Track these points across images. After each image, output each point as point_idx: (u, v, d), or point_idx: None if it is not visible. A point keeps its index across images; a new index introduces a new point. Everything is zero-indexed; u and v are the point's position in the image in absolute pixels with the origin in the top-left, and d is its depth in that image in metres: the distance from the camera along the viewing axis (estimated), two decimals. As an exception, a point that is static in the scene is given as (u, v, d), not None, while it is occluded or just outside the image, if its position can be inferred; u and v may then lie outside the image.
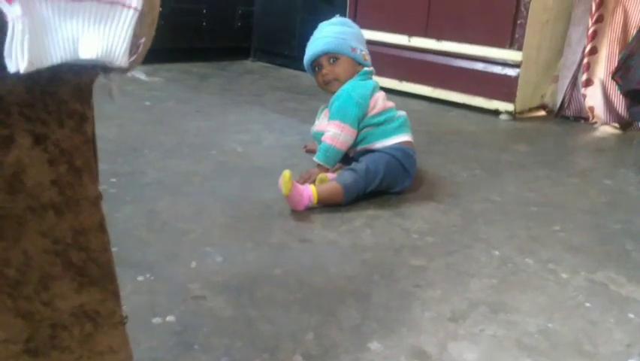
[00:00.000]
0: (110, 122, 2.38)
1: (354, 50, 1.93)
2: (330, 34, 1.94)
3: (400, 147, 1.84)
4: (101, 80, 0.53)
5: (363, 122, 1.87)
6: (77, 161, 0.53)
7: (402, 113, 1.95)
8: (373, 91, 1.91)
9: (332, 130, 1.85)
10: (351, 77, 1.92)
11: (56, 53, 0.41)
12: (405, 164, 1.83)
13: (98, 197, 0.56)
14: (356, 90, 1.87)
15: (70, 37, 0.41)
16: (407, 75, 3.38)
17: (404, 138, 1.87)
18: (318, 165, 1.87)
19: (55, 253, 0.53)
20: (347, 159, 1.91)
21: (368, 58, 1.98)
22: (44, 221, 0.52)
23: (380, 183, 1.79)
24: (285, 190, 1.63)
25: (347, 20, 2.05)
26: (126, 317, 0.59)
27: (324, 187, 1.73)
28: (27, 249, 0.51)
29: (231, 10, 4.22)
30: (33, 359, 0.53)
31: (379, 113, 1.88)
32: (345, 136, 1.85)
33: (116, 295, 0.58)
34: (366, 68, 1.95)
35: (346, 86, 1.89)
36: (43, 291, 0.53)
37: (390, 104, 1.94)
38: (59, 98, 0.49)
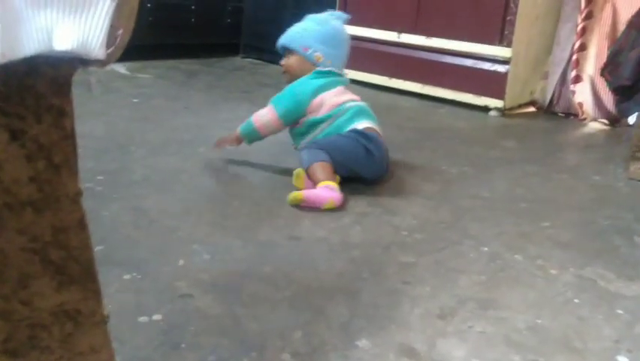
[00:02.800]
0: (97, 119, 2.36)
1: (306, 49, 1.96)
2: (296, 28, 2.01)
3: (355, 130, 1.85)
4: (80, 74, 0.52)
5: (307, 122, 1.90)
6: (56, 157, 0.52)
7: (354, 103, 1.94)
8: (319, 90, 1.91)
9: (262, 110, 1.93)
10: (302, 73, 1.96)
11: (30, 44, 0.40)
12: (365, 144, 1.82)
13: (78, 194, 0.54)
14: (299, 86, 1.93)
15: (44, 27, 0.40)
16: (396, 72, 3.38)
17: (359, 125, 1.87)
18: (237, 135, 1.98)
19: (33, 251, 0.52)
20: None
21: (323, 59, 1.97)
22: (22, 218, 0.51)
23: (341, 155, 1.79)
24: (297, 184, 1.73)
25: (323, 18, 2.04)
26: (108, 316, 0.58)
27: (319, 175, 1.74)
28: (4, 247, 0.50)
29: (221, 6, 4.20)
30: (11, 359, 0.52)
31: (323, 114, 1.90)
32: (267, 119, 1.92)
33: (97, 293, 0.57)
34: (319, 68, 1.96)
35: (295, 82, 1.95)
36: (21, 290, 0.51)
37: (341, 99, 1.92)
38: (37, 91, 0.48)
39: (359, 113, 1.91)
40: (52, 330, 0.54)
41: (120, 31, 0.44)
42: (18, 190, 0.50)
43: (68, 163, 0.53)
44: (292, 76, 1.98)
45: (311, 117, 1.91)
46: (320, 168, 1.75)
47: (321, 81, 1.94)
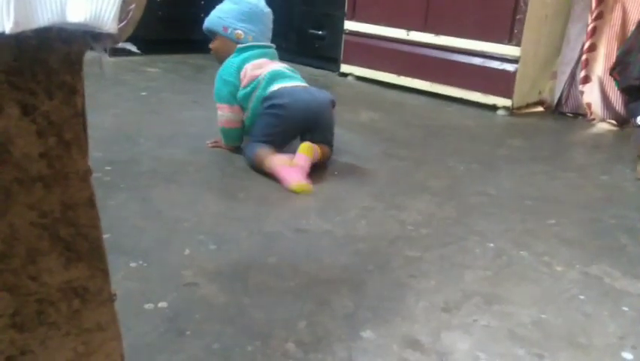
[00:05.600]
0: (106, 111, 2.37)
1: (225, 29, 2.04)
2: (215, 11, 2.08)
3: (263, 99, 1.91)
4: (91, 53, 0.52)
5: (239, 98, 1.97)
6: (67, 134, 0.52)
7: (267, 70, 1.96)
8: (241, 63, 1.98)
9: (218, 113, 2.01)
10: (228, 52, 2.03)
11: (44, 15, 0.40)
12: (273, 104, 1.88)
13: (88, 172, 0.55)
14: (223, 70, 2.01)
15: (58, -1, 0.40)
16: (405, 69, 3.37)
17: (268, 90, 1.92)
18: (226, 146, 2.07)
19: (42, 226, 0.52)
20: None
21: (243, 36, 2.03)
22: (32, 194, 0.51)
23: (267, 132, 1.89)
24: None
25: None
26: (115, 295, 0.59)
27: (265, 157, 1.84)
28: (14, 222, 0.50)
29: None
30: (19, 334, 0.52)
31: (246, 86, 1.95)
32: (224, 114, 1.99)
33: (104, 271, 0.57)
34: (239, 45, 2.01)
35: (220, 68, 2.02)
36: (30, 265, 0.52)
37: (259, 71, 1.96)
38: (49, 67, 0.48)
39: (271, 80, 1.95)
40: (60, 306, 0.54)
41: (132, 7, 0.44)
42: (28, 165, 0.50)
43: (78, 141, 0.53)
44: (220, 57, 2.05)
45: (240, 92, 1.97)
46: (262, 154, 1.83)
47: (243, 55, 1.99)
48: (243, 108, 1.99)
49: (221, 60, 2.06)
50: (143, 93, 2.77)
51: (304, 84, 2.00)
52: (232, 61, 2.00)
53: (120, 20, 0.43)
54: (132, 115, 2.38)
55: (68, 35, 0.45)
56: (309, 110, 1.92)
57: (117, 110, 2.41)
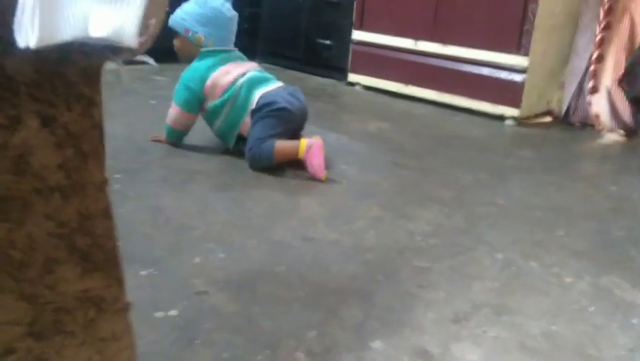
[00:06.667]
0: (116, 120, 2.38)
1: (186, 31, 2.06)
2: (179, 11, 2.09)
3: (256, 108, 1.96)
4: (110, 66, 0.53)
5: (209, 109, 2.01)
6: (84, 145, 0.53)
7: (243, 78, 2.01)
8: (207, 72, 2.01)
9: (170, 110, 2.07)
10: (189, 54, 2.07)
11: (67, 30, 0.41)
12: (272, 109, 1.95)
13: (105, 182, 0.56)
14: (187, 73, 2.05)
15: (81, 14, 0.41)
16: (413, 79, 3.38)
17: (254, 100, 1.98)
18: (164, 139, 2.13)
19: (59, 236, 0.53)
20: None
21: (204, 40, 2.05)
22: (50, 204, 0.52)
23: (273, 129, 1.94)
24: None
25: (208, 1, 2.09)
26: (130, 304, 0.59)
27: (286, 149, 1.94)
28: (32, 231, 0.51)
29: (238, 11, 4.21)
30: (37, 342, 0.53)
31: (220, 95, 1.99)
32: (174, 115, 2.05)
33: (120, 281, 0.58)
34: (202, 49, 2.04)
35: (185, 71, 2.05)
36: (47, 274, 0.52)
37: (232, 78, 2.00)
38: (68, 80, 0.49)
39: (251, 87, 2.00)
40: (76, 315, 0.55)
41: (152, 21, 0.45)
42: (47, 176, 0.51)
43: (96, 152, 0.54)
44: (182, 56, 2.10)
45: (210, 104, 2.00)
46: (280, 147, 1.91)
47: (209, 62, 2.02)
48: (210, 118, 2.04)
49: (183, 59, 2.10)
50: (153, 102, 2.79)
51: (280, 84, 2.06)
52: (197, 67, 2.03)
53: (140, 35, 0.44)
54: (142, 124, 2.40)
55: (89, 49, 0.46)
56: (301, 110, 2.02)
57: (127, 119, 2.42)
